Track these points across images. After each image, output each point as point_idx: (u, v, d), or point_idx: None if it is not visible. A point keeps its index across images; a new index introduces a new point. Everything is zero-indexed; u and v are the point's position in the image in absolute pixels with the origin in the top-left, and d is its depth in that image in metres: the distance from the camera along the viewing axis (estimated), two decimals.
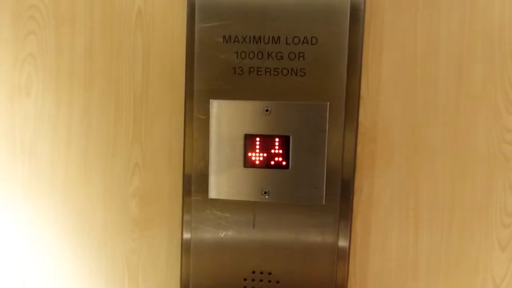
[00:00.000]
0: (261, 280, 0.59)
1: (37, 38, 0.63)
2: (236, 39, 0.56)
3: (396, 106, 0.58)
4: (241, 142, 0.57)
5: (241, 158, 0.57)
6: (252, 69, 0.56)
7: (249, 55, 0.56)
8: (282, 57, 0.55)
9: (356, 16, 0.55)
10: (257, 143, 0.57)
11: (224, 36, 0.56)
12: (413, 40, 0.57)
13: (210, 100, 0.57)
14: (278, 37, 0.55)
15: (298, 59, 0.55)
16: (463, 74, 0.57)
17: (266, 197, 0.57)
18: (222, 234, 0.59)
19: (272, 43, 0.55)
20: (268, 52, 0.55)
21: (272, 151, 0.56)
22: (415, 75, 0.57)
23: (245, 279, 0.60)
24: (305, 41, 0.55)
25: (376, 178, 0.59)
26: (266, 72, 0.56)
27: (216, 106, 0.57)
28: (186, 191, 0.60)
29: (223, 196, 0.58)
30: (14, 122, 0.65)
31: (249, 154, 0.57)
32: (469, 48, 0.56)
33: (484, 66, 0.56)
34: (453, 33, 0.56)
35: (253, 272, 0.59)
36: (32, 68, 0.64)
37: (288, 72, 0.55)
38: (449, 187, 0.58)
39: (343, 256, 0.58)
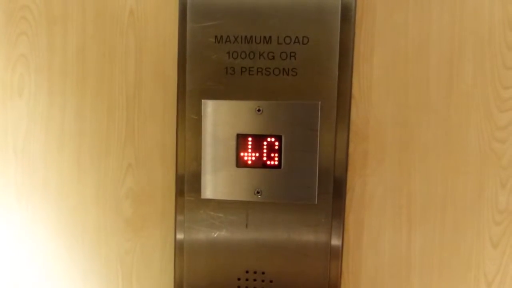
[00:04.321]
0: (254, 280, 0.59)
1: (29, 38, 0.63)
2: (228, 39, 0.56)
3: (387, 105, 0.58)
4: (233, 142, 0.57)
5: (234, 158, 0.57)
6: (244, 69, 0.56)
7: (240, 55, 0.56)
8: (273, 57, 0.55)
9: (347, 16, 0.55)
10: (249, 143, 0.57)
11: (216, 36, 0.56)
12: (404, 39, 0.57)
13: (202, 100, 0.57)
14: (270, 37, 0.55)
15: (290, 58, 0.55)
16: (454, 73, 0.57)
17: (259, 196, 0.57)
18: (215, 234, 0.59)
19: (264, 43, 0.55)
20: (259, 52, 0.56)
21: (264, 150, 0.57)
22: (406, 74, 0.58)
23: (238, 279, 0.60)
24: (296, 40, 0.55)
25: (368, 177, 0.59)
26: (257, 72, 0.56)
27: (208, 106, 0.57)
28: (179, 191, 0.60)
29: (216, 196, 0.58)
30: (6, 123, 0.65)
31: (242, 154, 0.57)
32: (459, 47, 0.57)
33: (475, 65, 0.57)
34: (444, 32, 0.57)
35: (247, 272, 0.60)
36: (24, 69, 0.63)
37: (279, 71, 0.56)
38: (441, 185, 0.59)
39: (336, 254, 0.58)
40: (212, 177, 0.58)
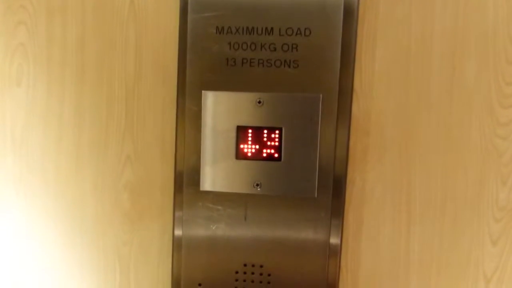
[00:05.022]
0: (252, 273, 0.59)
1: (28, 28, 0.62)
2: (229, 30, 0.55)
3: (389, 100, 0.58)
4: (233, 134, 0.56)
5: (233, 150, 0.57)
6: (245, 61, 0.56)
7: (242, 46, 0.55)
8: (275, 49, 0.55)
9: (350, 9, 0.54)
10: (249, 135, 0.56)
11: (217, 27, 0.55)
12: (407, 34, 0.57)
13: (203, 91, 0.56)
14: (272, 28, 0.55)
15: (291, 50, 0.55)
16: (456, 68, 0.57)
17: (258, 189, 0.57)
18: (214, 227, 0.59)
19: (265, 34, 0.55)
20: (261, 44, 0.55)
21: (264, 143, 0.56)
22: (409, 69, 0.57)
23: (236, 272, 0.60)
24: (298, 32, 0.55)
25: (368, 172, 0.59)
26: (259, 63, 0.55)
27: (209, 98, 0.56)
28: (178, 184, 0.59)
29: (215, 188, 0.58)
30: (5, 113, 0.64)
31: (241, 146, 0.57)
32: (462, 43, 0.56)
33: (477, 60, 0.56)
34: (446, 27, 0.56)
35: (245, 265, 0.59)
36: (22, 59, 0.63)
37: (281, 63, 0.55)
38: (442, 181, 0.59)
39: (334, 249, 0.58)
40: (211, 169, 0.57)
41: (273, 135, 0.56)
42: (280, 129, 0.56)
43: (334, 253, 0.58)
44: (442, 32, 0.56)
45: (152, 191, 0.63)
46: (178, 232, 0.60)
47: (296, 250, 0.58)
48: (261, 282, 0.59)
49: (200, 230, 0.59)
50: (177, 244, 0.60)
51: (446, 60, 0.57)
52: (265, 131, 0.56)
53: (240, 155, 0.57)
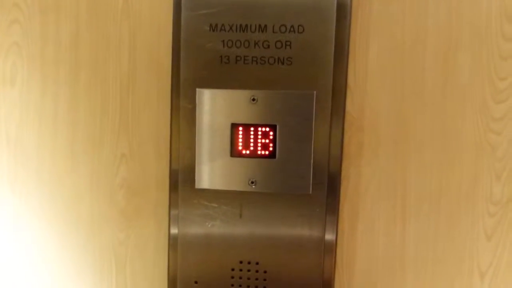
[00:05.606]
0: (248, 270, 0.59)
1: (22, 26, 0.62)
2: (223, 28, 0.55)
3: (383, 95, 0.58)
4: (228, 131, 0.56)
5: (228, 147, 0.57)
6: (238, 58, 0.55)
7: (235, 44, 0.55)
8: (268, 46, 0.55)
9: (343, 5, 0.54)
10: (244, 132, 0.56)
11: (210, 25, 0.55)
12: (400, 29, 0.57)
13: (197, 89, 0.56)
14: (265, 26, 0.55)
15: (285, 47, 0.55)
16: (450, 64, 0.57)
17: (253, 186, 0.57)
18: (209, 225, 0.59)
19: (259, 31, 0.55)
20: (254, 41, 0.55)
21: (259, 140, 0.56)
22: (403, 64, 0.57)
23: (232, 269, 0.60)
24: (292, 29, 0.54)
25: (363, 168, 0.59)
26: (252, 61, 0.55)
27: (203, 95, 0.56)
28: (173, 182, 0.59)
29: (210, 186, 0.58)
30: None
31: (236, 143, 0.57)
32: (456, 38, 0.56)
33: (471, 55, 0.56)
34: (440, 23, 0.56)
35: (241, 262, 0.59)
36: (16, 57, 0.63)
37: (274, 61, 0.55)
38: (436, 176, 0.59)
39: (330, 245, 0.58)
40: (206, 167, 0.57)
41: (267, 133, 0.56)
42: (275, 126, 0.56)
43: (330, 249, 0.59)
44: (436, 28, 0.56)
45: (147, 189, 0.63)
46: (173, 230, 0.60)
47: (292, 246, 0.58)
48: (257, 279, 0.59)
49: (196, 228, 0.59)
50: (173, 242, 0.60)
51: (440, 56, 0.57)
52: (260, 129, 0.56)
53: (235, 152, 0.57)
